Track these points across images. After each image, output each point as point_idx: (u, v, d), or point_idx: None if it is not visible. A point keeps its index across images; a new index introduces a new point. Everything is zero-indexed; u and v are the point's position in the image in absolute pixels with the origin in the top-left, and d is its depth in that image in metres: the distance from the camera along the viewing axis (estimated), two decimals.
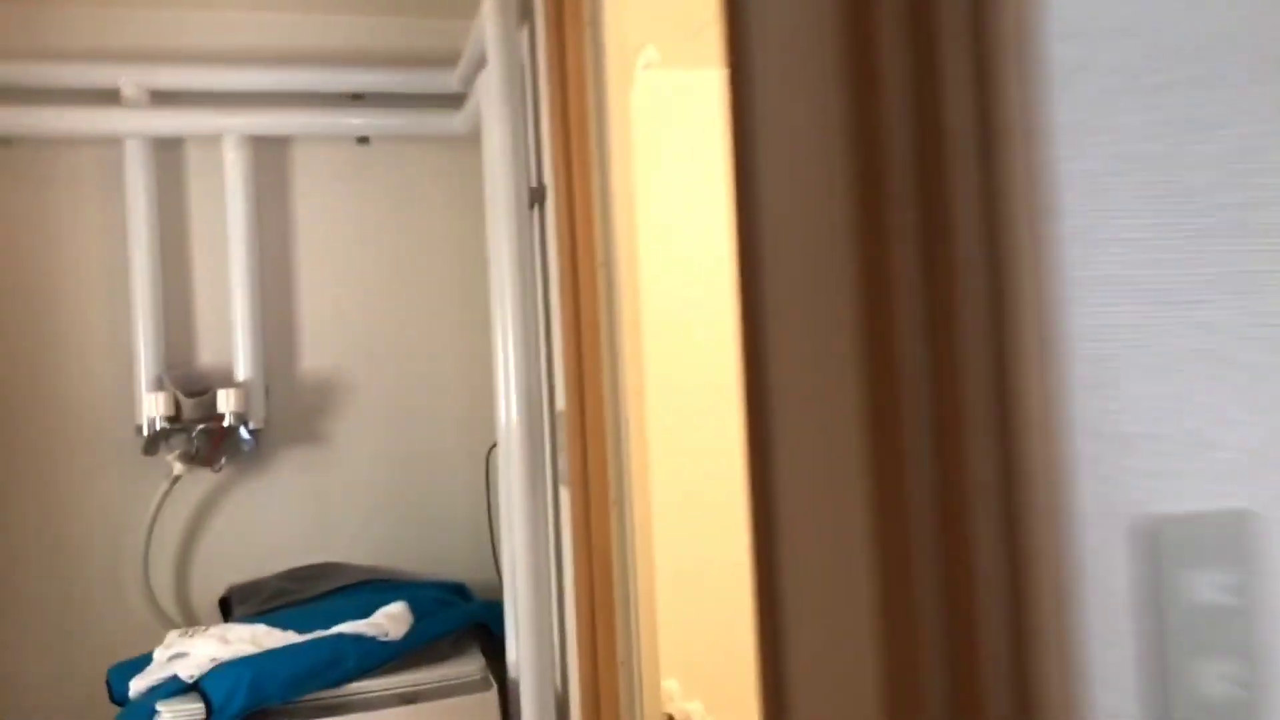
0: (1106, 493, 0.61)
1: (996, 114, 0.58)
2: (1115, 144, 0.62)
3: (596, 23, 1.79)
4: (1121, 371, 0.61)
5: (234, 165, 2.40)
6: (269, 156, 2.48)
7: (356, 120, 2.47)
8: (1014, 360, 0.58)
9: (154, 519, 2.37)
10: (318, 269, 2.52)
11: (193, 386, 2.37)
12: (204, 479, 2.43)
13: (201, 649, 1.91)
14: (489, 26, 1.96)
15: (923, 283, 0.64)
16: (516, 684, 2.00)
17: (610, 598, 1.82)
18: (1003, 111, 0.58)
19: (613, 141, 1.80)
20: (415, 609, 2.12)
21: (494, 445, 2.48)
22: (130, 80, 2.35)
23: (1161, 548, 0.61)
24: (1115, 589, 0.61)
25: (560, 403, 1.92)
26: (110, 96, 2.36)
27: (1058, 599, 0.59)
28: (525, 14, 2.03)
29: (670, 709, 2.11)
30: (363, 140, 2.52)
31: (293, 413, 2.49)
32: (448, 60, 2.52)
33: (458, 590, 2.38)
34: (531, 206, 1.99)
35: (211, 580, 2.42)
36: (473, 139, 2.53)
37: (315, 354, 2.51)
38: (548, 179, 1.92)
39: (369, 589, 2.28)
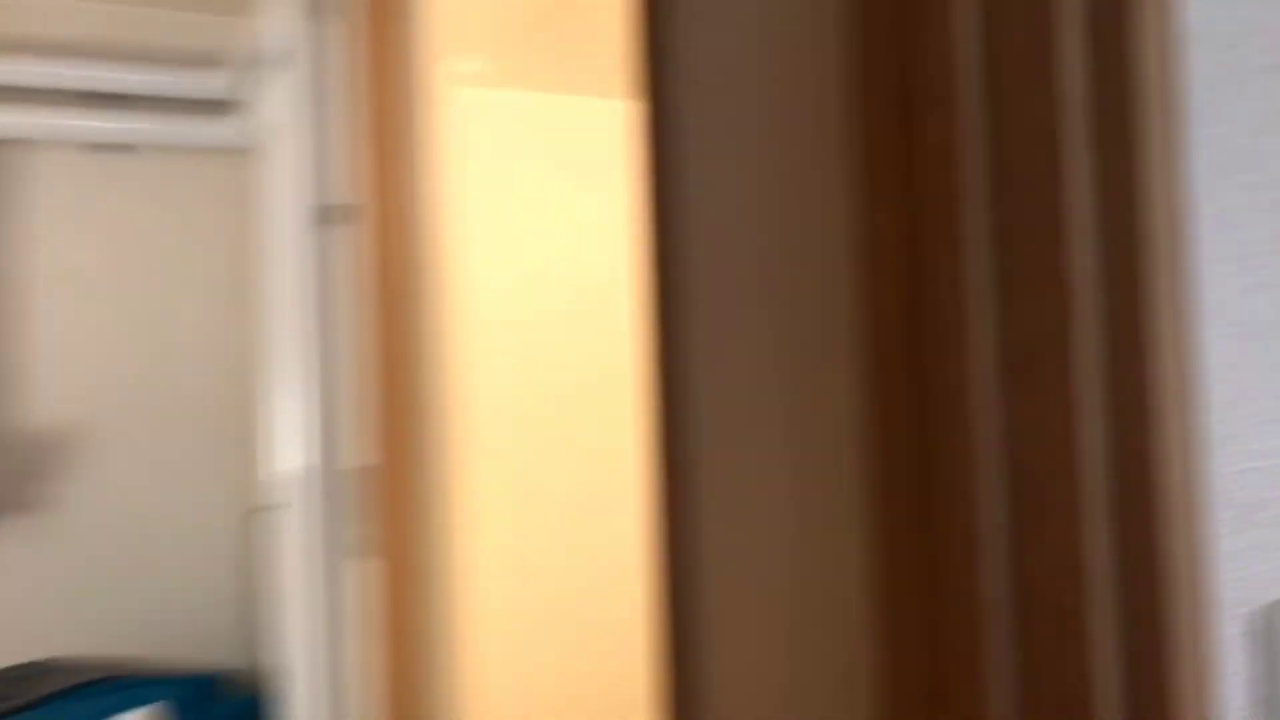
0: (1237, 577, 0.46)
1: (1126, 78, 0.43)
2: (1227, 138, 0.48)
3: (411, 20, 1.57)
4: (1249, 423, 0.47)
5: None
6: None
7: (102, 124, 2.08)
8: (1146, 411, 0.43)
9: None
10: (47, 299, 2.09)
11: None
12: None
13: None
14: (282, 20, 1.68)
15: (999, 308, 0.47)
16: None
17: (417, 689, 1.55)
18: (1136, 78, 0.43)
19: (428, 156, 1.57)
20: (164, 712, 1.74)
21: (260, 508, 2.13)
22: None
23: (1267, 639, 0.47)
24: (1242, 694, 0.46)
25: (355, 458, 1.64)
26: None
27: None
28: (317, 8, 1.76)
29: None
30: (109, 147, 2.13)
31: (7, 473, 2.02)
32: (209, 60, 2.19)
33: (212, 685, 1.99)
34: (322, 227, 1.71)
35: None
36: (242, 150, 2.20)
37: (40, 401, 2.06)
38: (347, 197, 1.66)
39: (103, 690, 1.86)
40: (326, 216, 1.69)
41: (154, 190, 2.18)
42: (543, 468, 1.96)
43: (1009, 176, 0.46)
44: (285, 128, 1.67)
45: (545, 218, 2.03)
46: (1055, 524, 0.45)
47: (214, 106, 2.18)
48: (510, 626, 1.91)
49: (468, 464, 1.75)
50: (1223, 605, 0.47)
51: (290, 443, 1.69)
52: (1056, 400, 0.44)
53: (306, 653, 1.62)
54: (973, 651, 0.46)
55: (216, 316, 2.23)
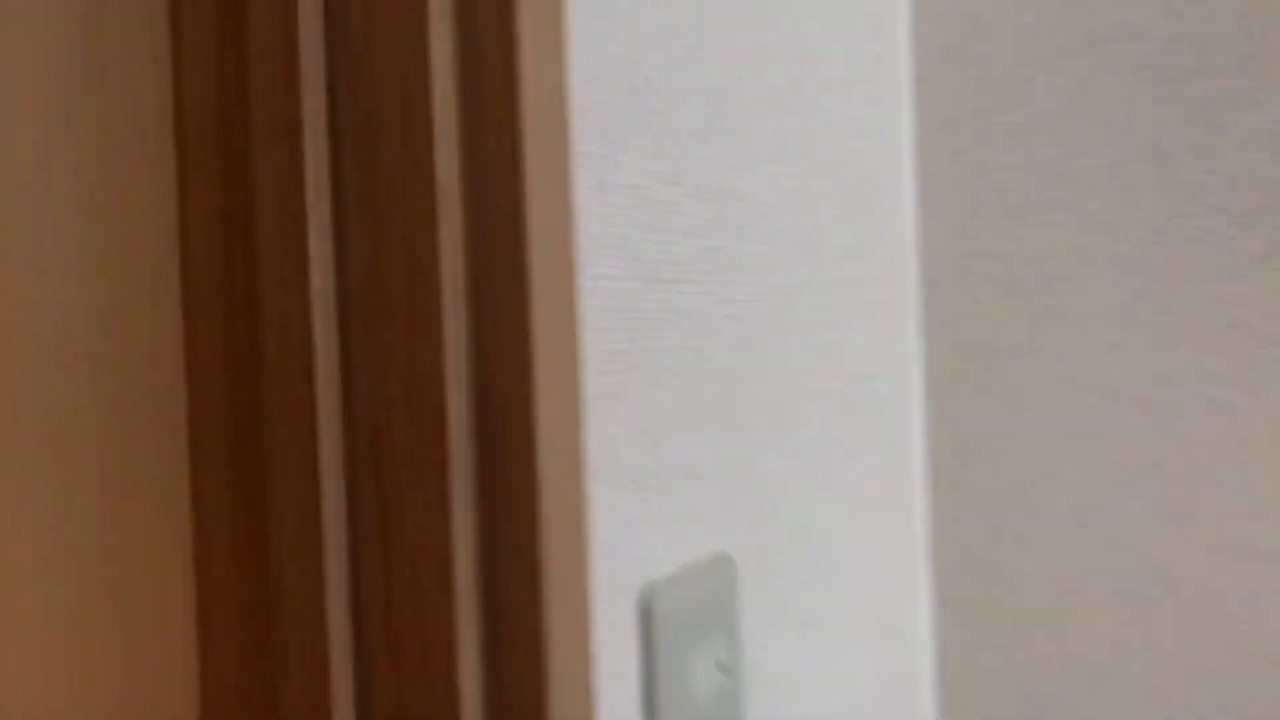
0: (612, 553, 0.43)
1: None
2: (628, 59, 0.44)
3: None
4: (625, 382, 0.44)
5: None
6: None
7: None
8: (513, 358, 0.36)
9: None
10: None
11: None
12: None
13: None
14: None
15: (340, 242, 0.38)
16: None
17: None
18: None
19: None
20: None
21: None
22: None
23: (656, 621, 0.45)
24: (628, 684, 0.43)
25: None
26: None
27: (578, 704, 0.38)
28: None
29: None
30: None
31: None
32: None
33: None
34: None
35: None
36: None
37: None
38: None
39: None
40: None
41: None
42: None
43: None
44: None
45: None
46: (417, 499, 0.37)
47: None
48: None
49: None
50: (617, 583, 0.43)
51: None
52: (417, 357, 0.36)
53: None
54: (313, 657, 0.37)
55: None
